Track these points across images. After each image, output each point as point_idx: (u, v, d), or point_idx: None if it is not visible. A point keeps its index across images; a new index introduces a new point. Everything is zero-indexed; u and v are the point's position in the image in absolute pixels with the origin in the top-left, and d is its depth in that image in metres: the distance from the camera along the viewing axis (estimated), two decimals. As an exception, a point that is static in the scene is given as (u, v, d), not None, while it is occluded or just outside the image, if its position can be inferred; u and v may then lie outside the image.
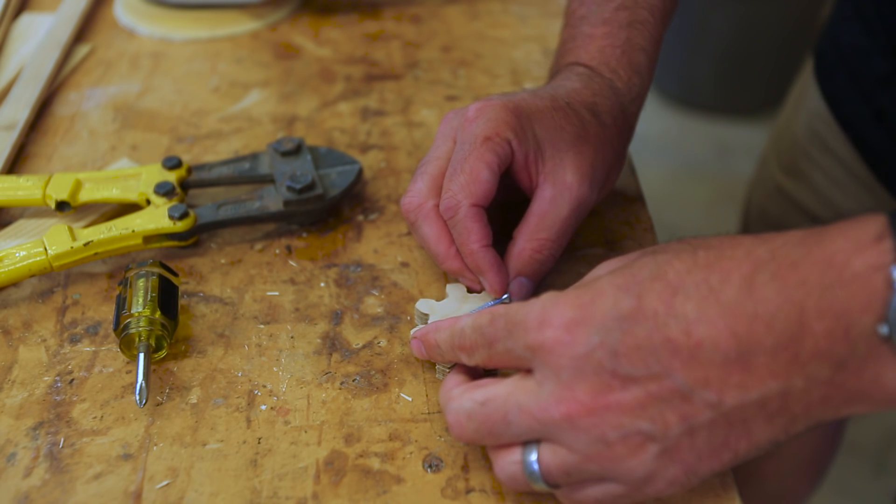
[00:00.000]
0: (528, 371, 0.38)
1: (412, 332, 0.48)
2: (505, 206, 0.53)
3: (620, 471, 0.36)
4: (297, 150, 0.59)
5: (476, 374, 0.43)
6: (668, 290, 0.35)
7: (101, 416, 0.46)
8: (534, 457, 0.38)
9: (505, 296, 0.49)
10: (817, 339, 0.33)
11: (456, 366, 0.43)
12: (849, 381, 0.33)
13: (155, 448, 0.44)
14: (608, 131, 0.51)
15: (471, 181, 0.48)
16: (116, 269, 0.55)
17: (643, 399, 0.35)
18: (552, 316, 0.36)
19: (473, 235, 0.48)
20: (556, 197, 0.48)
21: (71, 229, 0.53)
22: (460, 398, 0.39)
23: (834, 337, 0.32)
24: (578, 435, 0.36)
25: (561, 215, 0.48)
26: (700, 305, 0.34)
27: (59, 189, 0.56)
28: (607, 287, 0.37)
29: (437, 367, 0.47)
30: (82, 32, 0.80)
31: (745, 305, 0.34)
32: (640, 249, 0.40)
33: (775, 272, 0.34)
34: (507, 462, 0.39)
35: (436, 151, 0.52)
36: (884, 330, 0.31)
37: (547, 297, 0.38)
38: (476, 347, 0.40)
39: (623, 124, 0.53)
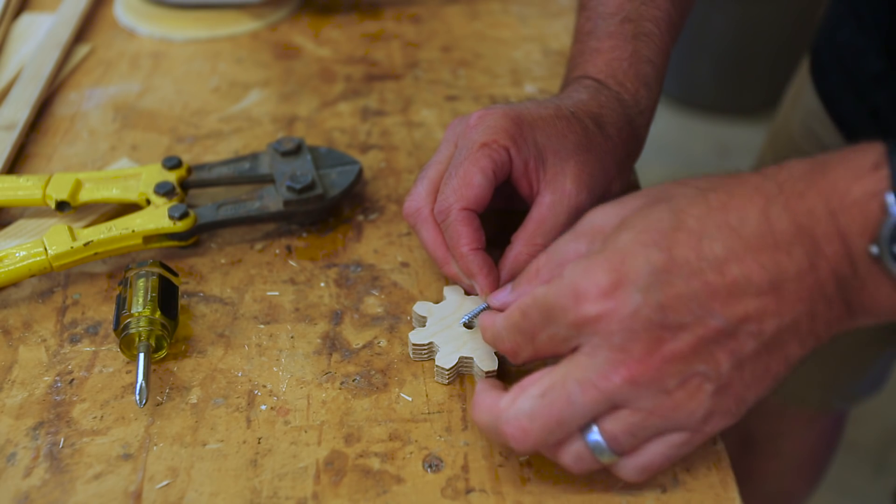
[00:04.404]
0: (573, 350, 0.38)
1: (410, 334, 0.49)
2: (505, 214, 0.53)
3: (682, 416, 0.38)
4: (297, 150, 0.59)
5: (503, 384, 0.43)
6: (693, 238, 0.36)
7: (101, 416, 0.46)
8: (595, 432, 0.38)
9: None
10: (829, 262, 0.35)
11: (482, 382, 0.43)
12: (855, 298, 0.36)
13: (155, 448, 0.44)
14: (611, 142, 0.51)
15: (463, 185, 0.48)
16: (116, 269, 0.55)
17: (694, 344, 0.36)
18: (587, 287, 0.37)
19: (463, 239, 0.48)
20: (554, 203, 0.48)
21: (71, 229, 0.53)
22: (514, 404, 0.39)
23: (841, 259, 0.35)
24: (641, 392, 0.37)
25: (558, 222, 0.48)
26: (726, 245, 0.36)
27: (59, 189, 0.56)
28: (632, 245, 0.37)
29: (435, 368, 0.47)
30: (82, 32, 0.80)
31: (766, 238, 0.36)
32: (635, 195, 0.40)
33: (785, 204, 0.36)
34: (570, 449, 0.39)
35: (438, 156, 0.52)
36: (874, 250, 0.34)
37: (571, 271, 0.38)
38: (519, 346, 0.41)
39: (629, 137, 0.53)
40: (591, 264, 0.38)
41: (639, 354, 0.37)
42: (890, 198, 0.33)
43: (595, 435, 0.39)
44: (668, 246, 0.37)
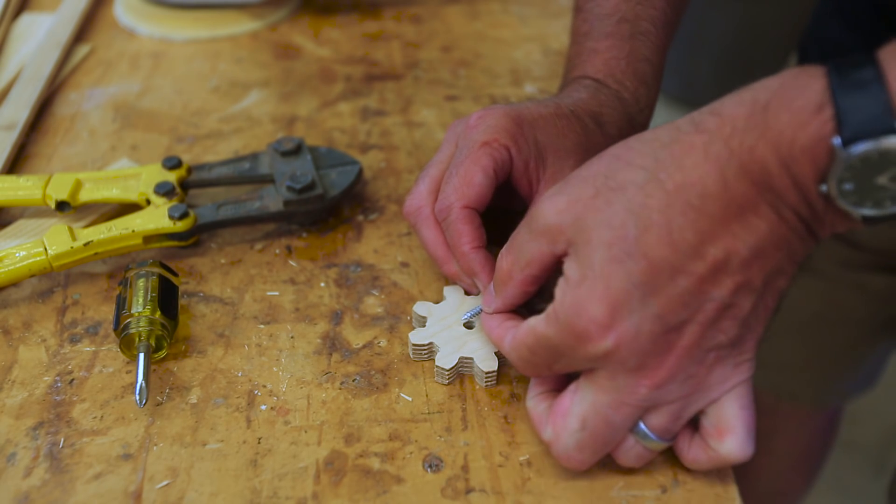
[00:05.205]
0: (591, 370, 0.40)
1: (410, 334, 0.49)
2: (505, 214, 0.53)
3: (715, 383, 0.39)
4: (297, 150, 0.59)
5: (558, 383, 0.44)
6: (663, 233, 0.36)
7: (101, 416, 0.46)
8: (644, 428, 0.40)
9: None
10: (793, 208, 0.36)
11: (529, 394, 0.44)
12: (818, 231, 0.37)
13: (155, 448, 0.44)
14: (612, 141, 0.51)
15: (463, 183, 0.48)
16: (116, 269, 0.56)
17: (701, 331, 0.38)
18: (585, 327, 0.37)
19: (465, 237, 0.48)
20: None
21: (71, 229, 0.53)
22: (560, 440, 0.41)
23: (801, 204, 0.36)
24: (669, 388, 0.39)
25: None
26: (696, 228, 0.36)
27: (59, 189, 0.56)
28: (608, 265, 0.37)
29: (435, 368, 0.47)
30: (82, 32, 0.80)
31: (731, 207, 0.36)
32: (580, 179, 0.39)
33: (739, 166, 0.35)
34: (626, 450, 0.41)
35: (439, 156, 0.53)
36: (824, 188, 0.34)
37: (562, 309, 0.38)
38: (537, 374, 0.42)
39: (629, 135, 0.53)
40: (578, 300, 0.38)
41: (655, 364, 0.38)
42: (836, 141, 0.33)
43: (645, 434, 0.40)
44: (643, 252, 0.37)
